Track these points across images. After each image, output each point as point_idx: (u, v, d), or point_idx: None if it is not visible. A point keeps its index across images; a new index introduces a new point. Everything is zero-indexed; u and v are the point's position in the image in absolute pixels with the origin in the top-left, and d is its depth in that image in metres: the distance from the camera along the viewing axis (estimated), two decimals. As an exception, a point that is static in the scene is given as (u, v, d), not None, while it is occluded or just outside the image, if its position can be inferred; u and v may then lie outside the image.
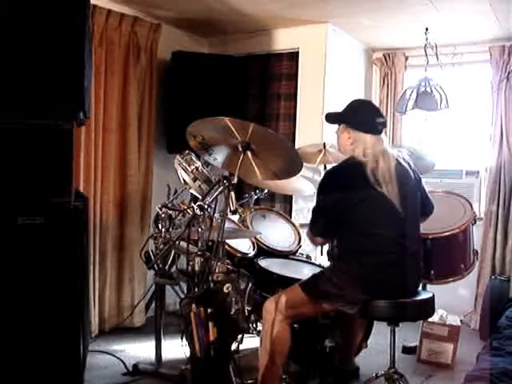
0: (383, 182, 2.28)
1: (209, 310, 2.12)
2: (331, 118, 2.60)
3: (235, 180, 2.32)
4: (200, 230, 2.31)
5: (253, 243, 3.09)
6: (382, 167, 2.31)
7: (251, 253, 3.01)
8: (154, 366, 3.07)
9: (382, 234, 2.32)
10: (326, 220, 2.43)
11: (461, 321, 3.56)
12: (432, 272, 2.67)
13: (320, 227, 2.46)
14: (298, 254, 3.25)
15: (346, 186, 2.34)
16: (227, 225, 2.57)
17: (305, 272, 2.92)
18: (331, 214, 2.38)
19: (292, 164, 2.43)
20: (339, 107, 2.54)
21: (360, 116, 2.46)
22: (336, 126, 2.55)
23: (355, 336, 2.88)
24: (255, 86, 4.48)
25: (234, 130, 2.24)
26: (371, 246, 2.31)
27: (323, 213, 2.41)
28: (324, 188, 2.42)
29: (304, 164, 2.49)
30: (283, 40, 4.34)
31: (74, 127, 2.33)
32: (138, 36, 3.77)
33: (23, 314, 2.21)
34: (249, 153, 2.34)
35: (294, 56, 4.32)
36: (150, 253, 2.91)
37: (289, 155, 2.44)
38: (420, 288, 2.53)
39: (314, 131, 4.14)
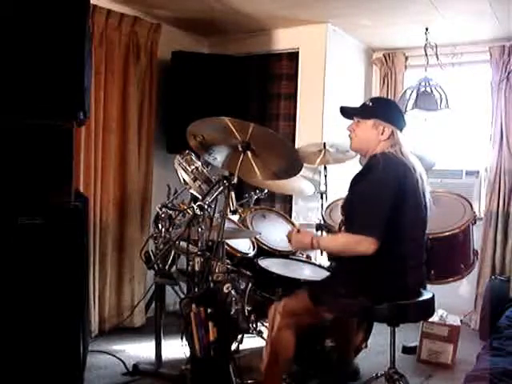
0: (420, 183, 2.28)
1: (209, 310, 2.12)
2: (355, 112, 2.42)
3: (235, 180, 2.32)
4: (200, 229, 2.31)
5: (253, 243, 3.09)
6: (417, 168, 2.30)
7: (251, 253, 3.02)
8: (154, 366, 3.07)
9: (415, 239, 2.30)
10: (386, 219, 2.14)
11: (461, 321, 3.56)
12: (432, 272, 2.66)
13: (381, 226, 2.13)
14: (298, 254, 3.25)
15: (404, 183, 2.21)
16: (227, 225, 2.57)
17: (305, 272, 2.92)
18: (388, 213, 2.15)
19: (292, 164, 2.41)
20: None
21: (394, 113, 2.40)
22: (343, 124, 2.47)
23: (354, 336, 2.88)
24: (255, 86, 4.48)
25: (234, 129, 2.24)
26: (406, 251, 2.25)
27: (384, 210, 2.15)
28: (384, 183, 2.19)
29: (304, 164, 2.47)
30: (283, 40, 4.34)
31: (74, 127, 2.33)
32: (138, 36, 3.77)
33: (23, 314, 2.21)
34: (249, 153, 2.34)
35: (293, 56, 4.32)
36: (150, 253, 2.91)
37: (289, 155, 2.43)
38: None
39: (314, 131, 4.14)
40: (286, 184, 3.40)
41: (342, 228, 2.43)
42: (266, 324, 2.58)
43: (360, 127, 2.38)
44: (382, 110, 2.39)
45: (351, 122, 2.44)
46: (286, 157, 2.42)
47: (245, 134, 2.25)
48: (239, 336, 2.44)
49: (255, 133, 2.23)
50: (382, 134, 2.33)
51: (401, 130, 2.38)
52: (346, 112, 2.46)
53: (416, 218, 2.29)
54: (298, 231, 2.34)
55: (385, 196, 2.17)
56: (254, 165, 2.41)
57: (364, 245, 2.12)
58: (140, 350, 3.42)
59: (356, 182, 2.35)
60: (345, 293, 2.22)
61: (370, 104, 2.40)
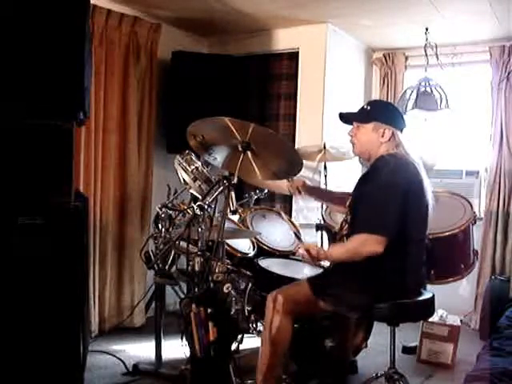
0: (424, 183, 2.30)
1: (209, 310, 2.12)
2: (354, 117, 2.44)
3: (235, 180, 2.32)
4: (200, 229, 2.31)
5: (253, 243, 3.09)
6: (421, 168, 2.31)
7: (251, 253, 3.01)
8: (154, 365, 3.07)
9: (417, 239, 2.31)
10: (396, 218, 2.16)
11: (461, 321, 3.56)
12: (432, 272, 2.66)
13: (392, 225, 2.15)
14: (298, 254, 3.24)
15: (411, 183, 2.24)
16: (227, 225, 2.57)
17: (305, 272, 2.92)
18: (398, 213, 2.17)
19: (292, 164, 2.41)
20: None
21: (393, 114, 2.42)
22: (343, 124, 2.48)
23: (354, 336, 2.88)
24: (255, 86, 4.48)
25: (234, 130, 2.24)
26: (408, 251, 2.26)
27: (393, 209, 2.16)
28: (394, 183, 2.19)
29: (304, 163, 2.47)
30: (283, 40, 4.34)
31: (73, 127, 2.32)
32: (137, 36, 3.77)
33: (23, 314, 2.20)
34: (249, 153, 2.34)
35: (294, 56, 4.33)
36: (150, 253, 2.91)
37: (289, 155, 2.43)
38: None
39: (314, 131, 4.14)
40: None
41: (345, 227, 2.42)
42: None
43: (360, 131, 2.40)
44: (380, 112, 2.40)
45: (351, 126, 2.45)
46: (286, 157, 2.42)
47: (245, 134, 2.25)
48: (239, 336, 2.44)
49: (255, 133, 2.23)
50: (383, 136, 2.34)
51: (401, 131, 2.39)
52: (345, 118, 2.48)
53: (419, 217, 2.30)
54: (308, 251, 2.26)
55: (395, 196, 2.19)
56: (254, 165, 2.41)
57: (371, 244, 2.13)
58: (140, 350, 3.42)
59: (364, 182, 2.37)
60: (346, 289, 2.23)
61: (368, 108, 2.42)
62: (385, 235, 2.13)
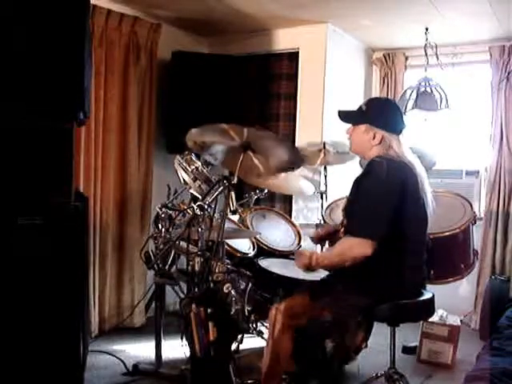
0: (420, 183, 2.29)
1: (209, 310, 2.12)
2: (350, 116, 2.44)
3: (235, 180, 2.32)
4: (200, 230, 2.31)
5: (253, 243, 3.09)
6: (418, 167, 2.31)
7: (251, 253, 3.02)
8: (154, 366, 3.07)
9: (416, 239, 2.31)
10: (386, 221, 2.15)
11: (461, 321, 3.56)
12: (432, 272, 2.66)
13: (380, 228, 2.14)
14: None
15: (406, 184, 2.22)
16: (227, 225, 2.57)
17: (304, 272, 2.92)
18: (390, 215, 2.16)
19: (292, 157, 2.41)
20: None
21: (388, 116, 2.39)
22: (343, 124, 2.48)
23: (354, 336, 2.88)
24: (255, 86, 4.48)
25: (232, 134, 2.24)
26: (408, 251, 2.26)
27: (384, 212, 2.16)
28: (385, 186, 2.19)
29: (304, 164, 2.47)
30: (283, 40, 4.34)
31: (73, 127, 2.33)
32: (137, 36, 3.77)
33: (23, 314, 2.21)
34: (250, 152, 2.34)
35: (294, 56, 4.32)
36: (150, 253, 2.91)
37: (288, 150, 2.42)
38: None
39: (314, 131, 4.14)
40: (286, 184, 3.40)
41: (342, 229, 2.43)
42: (266, 324, 2.58)
43: (355, 132, 2.40)
44: (374, 114, 2.37)
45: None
46: (285, 151, 2.41)
47: (242, 136, 2.25)
48: (239, 336, 2.44)
49: (252, 135, 2.23)
50: (374, 138, 2.33)
51: (399, 132, 2.37)
52: (341, 116, 2.47)
53: (417, 217, 2.29)
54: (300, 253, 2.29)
55: (386, 199, 2.18)
56: (256, 162, 2.41)
57: (359, 248, 2.14)
58: (140, 350, 3.42)
59: (357, 184, 2.36)
60: (346, 292, 2.22)
61: (364, 108, 2.40)
62: (371, 239, 2.12)
